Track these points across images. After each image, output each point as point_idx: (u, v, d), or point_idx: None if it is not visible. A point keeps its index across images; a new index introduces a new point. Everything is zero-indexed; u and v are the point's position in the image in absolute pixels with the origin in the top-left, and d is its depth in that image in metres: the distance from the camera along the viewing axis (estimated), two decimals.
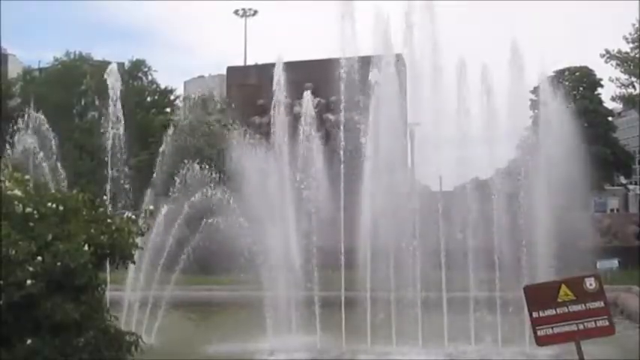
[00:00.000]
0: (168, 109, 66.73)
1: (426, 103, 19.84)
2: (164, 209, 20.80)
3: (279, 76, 20.86)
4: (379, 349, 16.67)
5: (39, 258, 6.25)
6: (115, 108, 21.98)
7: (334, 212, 19.37)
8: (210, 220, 19.78)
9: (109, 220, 7.23)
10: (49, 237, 6.50)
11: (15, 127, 22.60)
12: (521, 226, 17.75)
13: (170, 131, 27.09)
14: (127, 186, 23.04)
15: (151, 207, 8.71)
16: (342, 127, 19.71)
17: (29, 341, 6.11)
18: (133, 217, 7.58)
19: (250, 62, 60.41)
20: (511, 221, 17.90)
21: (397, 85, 19.60)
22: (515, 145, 20.94)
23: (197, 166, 21.75)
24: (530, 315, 7.33)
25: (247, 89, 41.65)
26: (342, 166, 19.15)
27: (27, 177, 7.04)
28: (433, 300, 17.70)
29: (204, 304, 23.96)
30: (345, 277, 18.70)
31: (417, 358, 16.07)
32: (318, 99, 31.60)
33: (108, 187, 21.27)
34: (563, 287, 7.29)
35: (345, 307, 18.11)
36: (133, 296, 20.18)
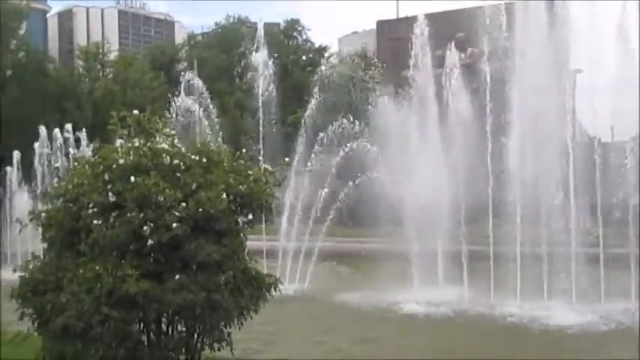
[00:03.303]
0: (322, 67, 68.09)
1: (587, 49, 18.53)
2: (316, 163, 21.69)
3: (422, 29, 20.50)
4: (529, 305, 16.25)
5: (184, 204, 6.84)
6: (267, 67, 22.88)
7: (485, 165, 18.90)
8: (360, 174, 20.28)
9: (248, 172, 7.81)
10: (194, 186, 7.08)
11: (181, 89, 24.44)
12: None
13: (321, 88, 27.68)
14: (282, 141, 24.16)
15: (287, 159, 9.06)
16: (488, 78, 18.99)
17: (177, 277, 6.83)
18: (270, 168, 8.10)
19: (402, 15, 59.54)
20: None
21: (554, 30, 18.46)
22: None
23: (347, 121, 22.20)
24: None
25: (397, 43, 41.25)
26: (488, 117, 18.57)
27: (173, 132, 7.81)
28: (588, 256, 16.90)
29: (354, 255, 24.73)
30: (494, 231, 18.37)
31: (570, 315, 15.40)
32: (471, 49, 30.61)
33: (261, 142, 22.37)
34: None
35: (493, 261, 17.83)
36: (288, 246, 21.42)
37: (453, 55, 20.37)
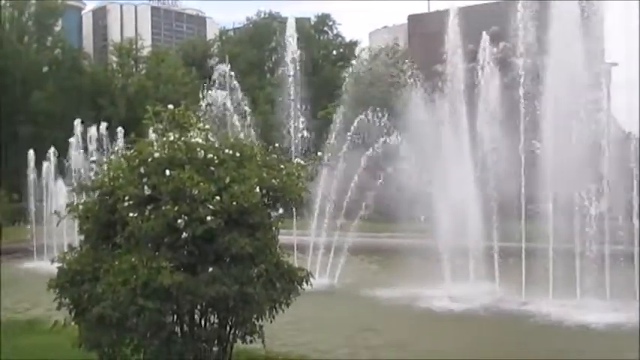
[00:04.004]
0: (353, 62, 67.95)
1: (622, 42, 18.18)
2: (346, 158, 21.65)
3: (454, 22, 20.32)
4: (561, 302, 16.02)
5: (218, 198, 6.94)
6: (296, 62, 22.91)
7: (518, 160, 18.68)
8: (390, 169, 20.21)
9: (280, 166, 7.88)
10: (227, 180, 7.18)
11: (212, 84, 24.63)
12: None
13: (351, 83, 27.64)
14: (311, 136, 24.17)
15: (319, 153, 9.10)
16: (521, 73, 18.73)
17: (211, 269, 6.95)
18: (303, 163, 8.15)
19: (433, 9, 59.06)
20: None
21: (589, 23, 18.12)
22: None
23: (377, 116, 22.11)
24: None
25: (429, 37, 40.90)
26: (522, 112, 18.34)
27: (207, 127, 7.90)
28: (622, 254, 16.60)
29: (384, 250, 24.67)
30: (526, 227, 18.16)
31: (604, 314, 15.14)
32: (503, 43, 30.24)
33: (292, 137, 22.43)
34: None
35: (525, 258, 17.63)
36: (318, 241, 21.48)
37: (485, 50, 20.13)
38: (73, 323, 7.36)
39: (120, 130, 32.43)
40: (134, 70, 61.57)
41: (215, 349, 7.45)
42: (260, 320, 7.51)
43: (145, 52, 68.30)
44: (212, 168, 7.29)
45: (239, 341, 7.67)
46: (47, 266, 8.38)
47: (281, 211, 7.80)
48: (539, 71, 18.51)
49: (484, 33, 20.54)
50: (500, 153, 18.47)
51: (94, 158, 28.69)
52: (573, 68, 17.45)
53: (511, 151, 18.38)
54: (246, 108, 23.97)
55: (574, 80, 17.40)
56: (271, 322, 7.60)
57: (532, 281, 17.13)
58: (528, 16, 18.84)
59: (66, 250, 7.81)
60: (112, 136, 32.79)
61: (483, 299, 16.96)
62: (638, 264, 16.49)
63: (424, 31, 43.19)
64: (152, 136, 8.02)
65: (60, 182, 29.52)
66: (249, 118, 23.27)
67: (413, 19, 49.43)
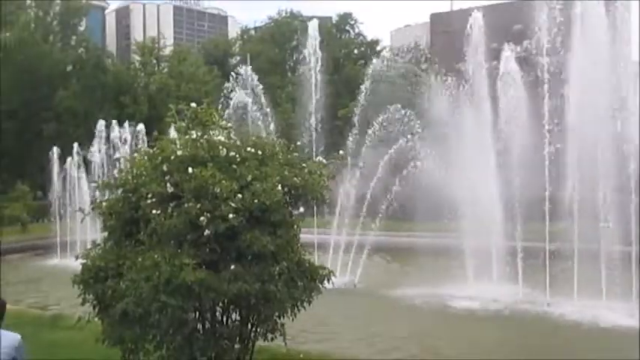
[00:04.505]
0: (374, 61, 67.79)
1: None
2: (367, 156, 21.59)
3: (476, 21, 20.15)
4: (586, 304, 15.80)
5: (240, 196, 6.94)
6: (317, 61, 22.90)
7: (542, 160, 18.45)
8: (412, 168, 20.10)
9: (302, 164, 7.86)
10: (249, 178, 7.19)
11: (234, 83, 24.71)
12: None
13: (372, 82, 27.56)
14: (334, 134, 24.12)
15: (341, 152, 9.06)
16: (545, 72, 18.49)
17: (232, 267, 6.94)
18: (324, 161, 8.13)
19: (456, 8, 58.66)
20: None
21: (615, 22, 17.84)
22: None
23: (399, 115, 22.02)
24: None
25: (452, 36, 40.65)
26: (546, 112, 18.11)
27: (229, 125, 7.91)
28: None
29: (406, 249, 24.54)
30: (550, 227, 17.94)
31: (629, 315, 14.91)
32: (527, 42, 29.95)
33: (313, 136, 22.42)
34: None
35: (549, 258, 17.42)
36: (339, 239, 21.45)
37: (508, 49, 19.93)
38: (96, 319, 7.41)
39: (141, 127, 32.73)
40: (156, 68, 61.94)
41: (236, 346, 7.45)
42: (281, 318, 7.50)
43: (167, 50, 68.71)
44: (234, 166, 7.29)
45: (260, 339, 7.68)
46: (70, 263, 8.45)
47: (302, 209, 7.77)
48: (564, 70, 18.28)
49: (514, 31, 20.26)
50: (525, 152, 18.25)
51: (118, 155, 28.97)
52: (598, 67, 17.22)
53: (535, 151, 18.17)
54: (267, 106, 24.01)
55: (600, 79, 17.15)
56: (292, 320, 7.59)
57: (557, 282, 16.92)
58: (552, 15, 18.61)
59: (89, 246, 7.87)
60: (135, 134, 33.11)
61: (506, 300, 16.81)
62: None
63: (447, 29, 42.90)
64: (173, 134, 8.06)
65: (83, 179, 29.87)
66: (270, 116, 23.28)
67: (436, 17, 49.11)
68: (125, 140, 32.69)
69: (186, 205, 6.91)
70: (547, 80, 18.59)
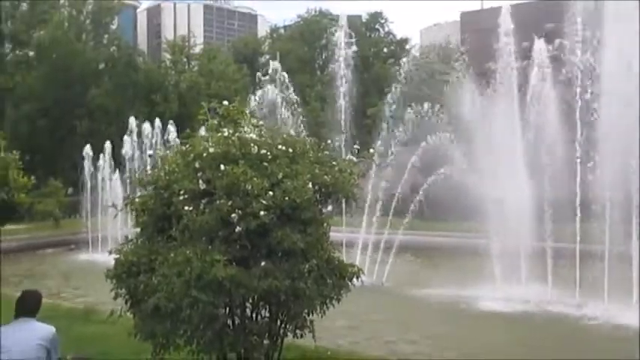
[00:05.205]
0: (404, 59, 67.50)
1: None
2: (396, 155, 21.54)
3: (507, 20, 19.95)
4: (617, 307, 15.56)
5: (271, 193, 7.00)
6: (346, 60, 22.92)
7: (573, 160, 18.20)
8: (441, 167, 20.01)
9: (332, 162, 7.90)
10: (280, 175, 7.25)
11: (263, 81, 24.87)
12: None
13: (402, 80, 27.49)
14: (364, 133, 24.12)
15: (372, 150, 9.08)
16: (578, 71, 18.22)
17: (263, 263, 7.01)
18: (355, 159, 8.16)
19: (487, 6, 58.15)
20: None
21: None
22: None
23: (429, 113, 21.94)
24: None
25: (482, 34, 40.33)
26: (577, 112, 17.86)
27: (261, 122, 7.99)
28: None
29: (435, 249, 24.44)
30: (581, 228, 17.70)
31: None
32: (559, 40, 29.57)
33: (343, 134, 22.44)
34: None
35: (580, 260, 17.21)
36: (367, 238, 21.45)
37: (540, 47, 19.69)
38: (128, 313, 7.53)
39: (172, 125, 33.11)
40: (186, 67, 62.56)
41: (266, 342, 7.52)
42: (311, 315, 7.55)
43: (198, 49, 69.32)
44: (265, 163, 7.36)
45: (289, 335, 7.74)
46: (102, 258, 8.60)
47: (330, 207, 7.81)
48: (597, 69, 18.00)
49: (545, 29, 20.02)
50: (555, 152, 18.04)
51: (151, 152, 29.34)
52: (631, 67, 16.92)
53: (566, 150, 17.95)
54: (297, 104, 24.12)
55: (631, 79, 16.86)
56: (322, 317, 7.63)
57: (586, 284, 16.70)
58: (585, 13, 18.34)
59: (121, 242, 8.01)
60: (165, 132, 33.49)
61: (535, 301, 16.64)
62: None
63: (477, 28, 42.60)
64: (203, 131, 8.15)
65: (115, 176, 30.33)
66: (300, 115, 23.38)
67: (466, 16, 48.91)
68: (156, 138, 33.11)
69: (217, 202, 6.98)
70: (579, 79, 18.34)
